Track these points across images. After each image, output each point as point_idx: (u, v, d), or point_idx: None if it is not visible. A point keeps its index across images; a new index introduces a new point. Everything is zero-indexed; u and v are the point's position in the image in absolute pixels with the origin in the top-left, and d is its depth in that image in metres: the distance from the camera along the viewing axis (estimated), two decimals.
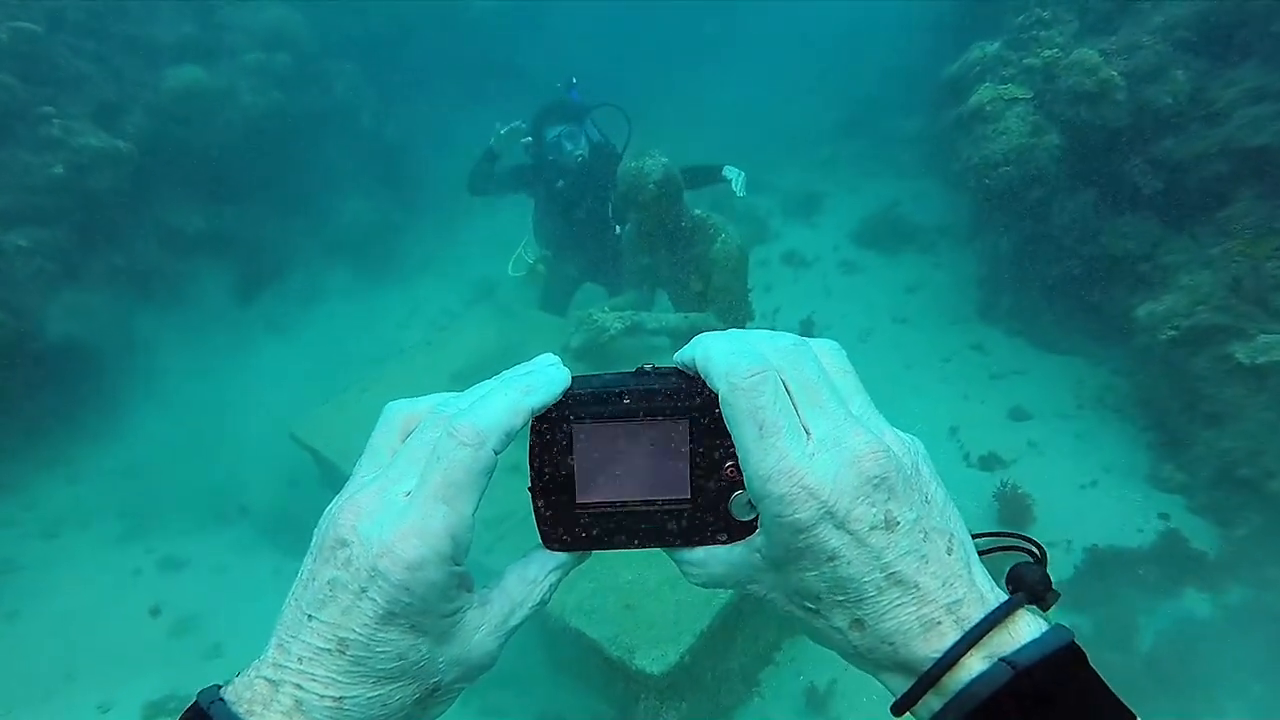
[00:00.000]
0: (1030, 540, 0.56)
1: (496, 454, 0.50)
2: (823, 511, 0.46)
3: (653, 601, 3.02)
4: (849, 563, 0.47)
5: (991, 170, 4.80)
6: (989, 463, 4.71)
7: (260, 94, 6.90)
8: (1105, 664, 0.55)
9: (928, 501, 0.49)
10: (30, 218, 5.30)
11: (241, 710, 0.47)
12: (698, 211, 4.55)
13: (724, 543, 0.53)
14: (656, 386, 0.53)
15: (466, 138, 5.93)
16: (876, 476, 0.47)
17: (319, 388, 5.08)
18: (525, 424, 0.51)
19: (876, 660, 0.49)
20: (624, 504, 0.53)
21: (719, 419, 0.51)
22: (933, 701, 0.47)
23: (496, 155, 5.00)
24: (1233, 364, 3.82)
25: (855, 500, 0.46)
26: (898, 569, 0.47)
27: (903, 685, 0.49)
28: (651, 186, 4.26)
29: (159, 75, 6.22)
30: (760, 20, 12.75)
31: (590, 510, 0.54)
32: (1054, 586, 0.51)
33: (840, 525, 0.47)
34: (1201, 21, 4.36)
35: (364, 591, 0.47)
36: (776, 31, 12.60)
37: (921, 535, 0.48)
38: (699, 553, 0.54)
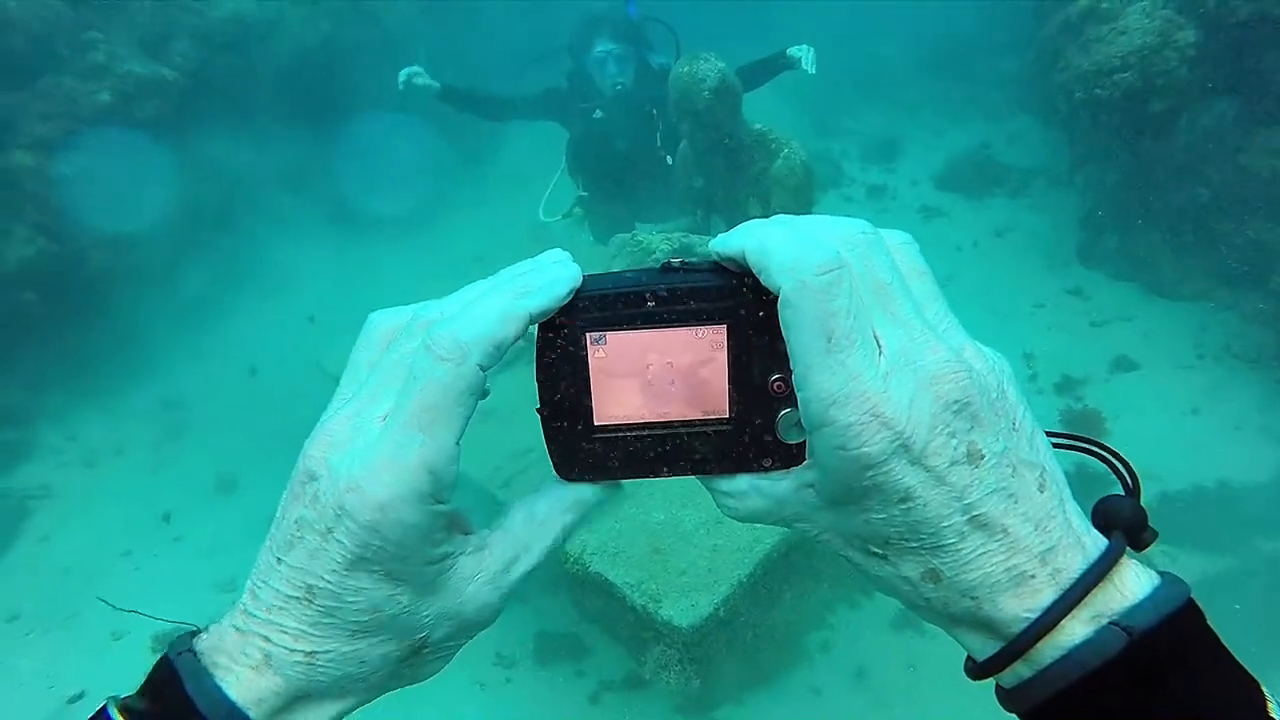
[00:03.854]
0: (1113, 453, 0.49)
1: (484, 369, 0.41)
2: (896, 444, 0.39)
3: (686, 546, 2.63)
4: (925, 504, 0.39)
5: (1105, 78, 4.09)
6: (1087, 419, 4.09)
7: (309, 25, 6.68)
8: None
9: (1015, 429, 0.41)
10: (76, 145, 5.22)
11: (208, 663, 0.43)
12: (759, 125, 4.05)
13: (768, 469, 0.45)
14: (687, 285, 0.44)
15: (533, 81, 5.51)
16: (958, 401, 0.39)
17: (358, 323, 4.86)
18: (521, 333, 0.42)
19: (952, 615, 0.42)
20: (650, 425, 0.46)
21: (764, 323, 0.43)
22: (1021, 669, 0.40)
23: (448, 91, 4.51)
24: None
25: (934, 431, 0.39)
26: (983, 510, 0.39)
27: (982, 645, 0.42)
28: (706, 94, 3.79)
29: (207, 3, 6.04)
30: None
31: (610, 433, 0.46)
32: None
33: (916, 460, 0.39)
34: None
35: (330, 532, 0.41)
36: None
37: (1009, 469, 0.40)
38: (739, 481, 0.46)
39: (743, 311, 0.44)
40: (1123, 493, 0.46)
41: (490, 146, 7.66)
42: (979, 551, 0.40)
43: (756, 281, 0.42)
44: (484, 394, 0.43)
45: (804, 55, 4.23)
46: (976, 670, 0.43)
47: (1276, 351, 4.16)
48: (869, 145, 8.05)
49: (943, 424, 0.39)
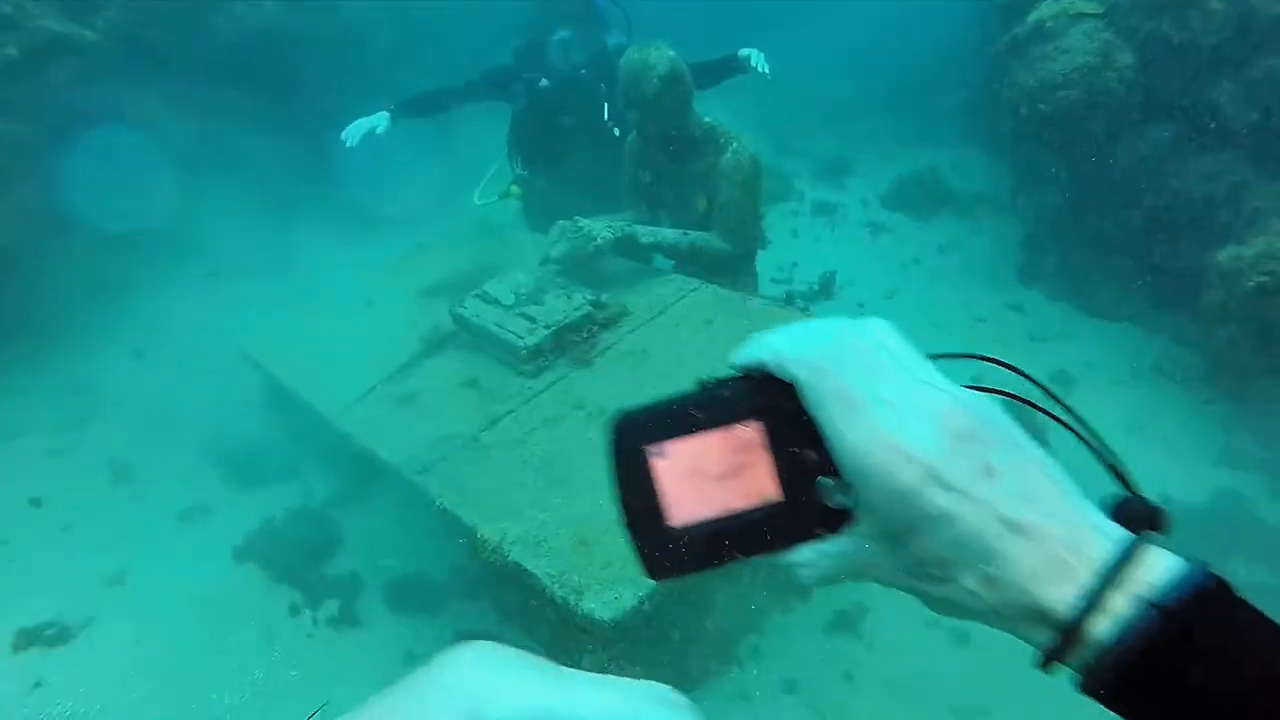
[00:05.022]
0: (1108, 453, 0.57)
1: None
2: (924, 474, 0.47)
3: (613, 538, 2.44)
4: (963, 519, 0.46)
5: (1049, 94, 4.16)
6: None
7: (256, 5, 6.41)
8: None
9: (1018, 446, 0.49)
10: None
11: None
12: (708, 119, 3.97)
13: (822, 536, 0.52)
14: (723, 394, 0.53)
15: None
16: (964, 430, 0.48)
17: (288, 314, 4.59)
18: None
19: (1013, 615, 0.48)
20: (716, 519, 0.51)
21: (791, 413, 0.51)
22: (1082, 652, 0.45)
23: (400, 110, 4.31)
24: None
25: (952, 456, 0.47)
26: (1011, 515, 0.46)
27: (1045, 637, 0.47)
28: (655, 81, 3.69)
29: None
30: None
31: (684, 532, 0.52)
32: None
33: (945, 484, 0.47)
34: None
35: None
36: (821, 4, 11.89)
37: (1022, 478, 0.47)
38: (804, 552, 0.53)
39: (772, 406, 0.51)
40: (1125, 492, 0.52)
41: (442, 136, 7.44)
42: (1019, 550, 0.46)
43: (775, 380, 0.51)
44: None
45: (758, 60, 4.19)
46: (1044, 660, 0.47)
47: (1204, 373, 4.24)
48: (820, 165, 8.13)
49: (957, 450, 0.46)
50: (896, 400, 0.48)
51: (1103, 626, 0.44)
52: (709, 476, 0.52)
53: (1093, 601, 0.44)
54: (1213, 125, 4.00)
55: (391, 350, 3.69)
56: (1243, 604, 0.43)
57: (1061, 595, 0.45)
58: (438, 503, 2.70)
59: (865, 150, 8.45)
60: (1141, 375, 4.46)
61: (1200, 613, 0.42)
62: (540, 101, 4.22)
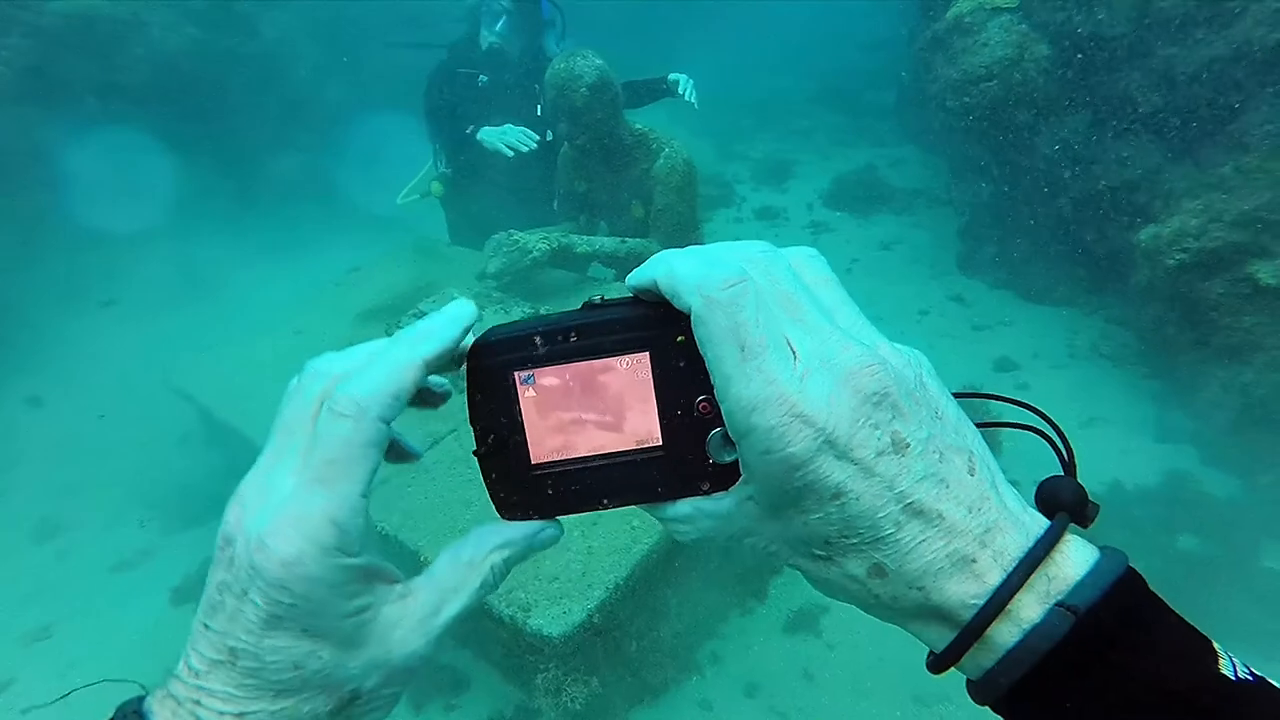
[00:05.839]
0: (1047, 419, 0.51)
1: (385, 422, 0.42)
2: (820, 441, 0.39)
3: (559, 550, 2.40)
4: (858, 497, 0.40)
5: (973, 86, 4.25)
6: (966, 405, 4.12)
7: (172, 29, 6.24)
8: None
9: (939, 417, 0.42)
10: None
11: None
12: (639, 126, 3.96)
13: (707, 492, 0.45)
14: (607, 317, 0.45)
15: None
16: (876, 393, 0.40)
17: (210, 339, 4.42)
18: (419, 378, 0.43)
19: (904, 610, 0.42)
20: (586, 459, 0.46)
21: (686, 347, 0.44)
22: (980, 656, 0.40)
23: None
24: (1254, 286, 3.28)
25: (855, 424, 0.39)
26: (915, 497, 0.40)
27: (939, 636, 0.41)
28: (584, 90, 3.67)
29: None
30: None
31: (548, 470, 0.46)
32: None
33: (842, 455, 0.39)
34: None
35: (245, 593, 0.41)
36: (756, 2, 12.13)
37: (937, 456, 0.40)
38: (683, 507, 0.46)
39: (663, 338, 0.44)
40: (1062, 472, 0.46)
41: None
42: (918, 539, 0.40)
43: (672, 308, 0.43)
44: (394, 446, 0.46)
45: (685, 87, 4.15)
46: (936, 662, 0.42)
47: (1138, 350, 4.36)
48: (761, 169, 8.22)
49: (864, 416, 0.39)
50: (802, 349, 0.40)
51: (1004, 630, 0.39)
52: (582, 411, 0.45)
53: (998, 605, 0.38)
54: (1124, 112, 4.13)
55: None
56: (1155, 602, 0.39)
57: (962, 594, 0.39)
58: (379, 528, 2.60)
59: (804, 151, 8.58)
60: (1080, 357, 4.57)
61: (1109, 614, 0.37)
62: (472, 97, 4.14)
